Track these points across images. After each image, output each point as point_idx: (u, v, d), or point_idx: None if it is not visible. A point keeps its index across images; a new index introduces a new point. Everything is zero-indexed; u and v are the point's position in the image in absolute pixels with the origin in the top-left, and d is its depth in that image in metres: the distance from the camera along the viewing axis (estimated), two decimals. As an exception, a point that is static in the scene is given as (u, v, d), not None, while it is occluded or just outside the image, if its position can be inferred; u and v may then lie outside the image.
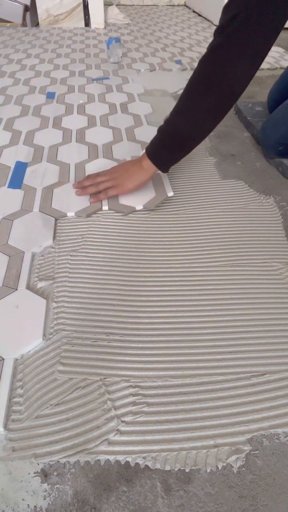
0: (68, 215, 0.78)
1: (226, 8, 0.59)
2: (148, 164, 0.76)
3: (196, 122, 0.68)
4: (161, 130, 0.73)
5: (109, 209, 0.80)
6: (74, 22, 2.38)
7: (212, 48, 0.61)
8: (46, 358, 0.52)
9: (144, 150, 0.77)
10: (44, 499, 0.40)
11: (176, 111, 0.69)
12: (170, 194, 0.82)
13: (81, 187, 0.82)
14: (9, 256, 0.68)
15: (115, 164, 0.95)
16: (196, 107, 0.66)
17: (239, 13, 0.56)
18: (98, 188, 0.80)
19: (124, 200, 0.82)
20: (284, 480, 0.42)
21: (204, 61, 0.63)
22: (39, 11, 2.34)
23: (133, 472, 0.42)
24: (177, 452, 0.44)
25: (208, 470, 0.42)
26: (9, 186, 0.87)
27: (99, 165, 0.95)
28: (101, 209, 0.80)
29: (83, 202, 0.82)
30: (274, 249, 0.72)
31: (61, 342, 0.54)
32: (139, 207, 0.80)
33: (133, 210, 0.79)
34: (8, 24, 2.40)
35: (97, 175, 0.83)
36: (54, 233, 0.73)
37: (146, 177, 0.78)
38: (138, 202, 0.81)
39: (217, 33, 0.61)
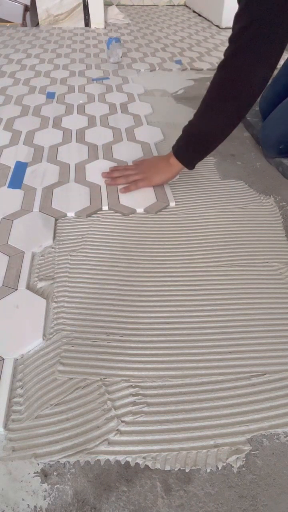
0: (68, 215, 0.78)
1: (238, 17, 0.63)
2: (175, 162, 0.80)
3: (218, 125, 0.73)
4: (186, 131, 0.78)
5: (110, 209, 0.80)
6: (74, 22, 2.38)
7: (228, 56, 0.66)
8: (46, 358, 0.52)
9: (170, 149, 0.82)
10: (44, 499, 0.40)
11: (199, 115, 0.74)
12: (172, 204, 0.83)
13: (111, 177, 0.87)
14: (9, 256, 0.68)
15: (115, 164, 0.96)
16: (218, 111, 0.71)
17: (252, 21, 0.60)
18: (128, 179, 0.85)
19: (125, 201, 0.82)
20: (284, 480, 0.42)
21: (222, 67, 0.68)
22: (39, 11, 2.34)
23: (133, 472, 0.42)
24: (177, 452, 0.43)
25: (208, 470, 0.42)
26: (9, 186, 0.87)
27: (99, 165, 0.96)
28: (101, 209, 0.80)
29: (83, 202, 0.82)
30: (274, 249, 0.72)
31: (61, 342, 0.54)
32: (139, 209, 0.80)
33: (133, 212, 0.80)
34: (8, 24, 2.40)
35: (125, 168, 0.89)
36: (54, 233, 0.73)
37: (173, 173, 0.83)
38: (139, 205, 0.81)
39: (231, 41, 0.65)
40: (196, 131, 0.76)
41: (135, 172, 0.86)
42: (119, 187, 0.85)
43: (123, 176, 0.86)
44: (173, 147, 0.81)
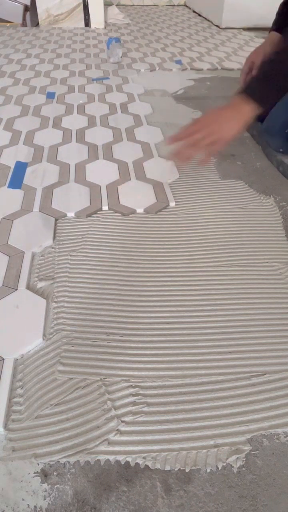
0: (68, 215, 0.78)
1: None
2: (244, 103, 0.71)
3: None
4: (264, 68, 0.73)
5: (109, 209, 0.80)
6: (74, 22, 2.38)
7: None
8: (46, 358, 0.52)
9: (235, 96, 0.73)
10: (44, 499, 0.40)
11: (285, 50, 0.71)
12: (172, 204, 0.82)
13: (181, 154, 0.74)
14: (9, 256, 0.68)
15: (115, 166, 0.96)
16: None
17: None
18: (199, 146, 0.72)
19: (125, 202, 0.82)
20: (284, 480, 0.42)
21: None
22: (39, 11, 2.34)
23: (133, 472, 0.42)
24: (177, 452, 0.43)
25: (208, 470, 0.42)
26: (9, 186, 0.87)
27: (99, 165, 0.95)
28: (101, 209, 0.80)
29: (83, 202, 0.82)
30: (274, 249, 0.72)
31: (61, 342, 0.54)
32: (139, 210, 0.80)
33: (133, 212, 0.80)
34: (8, 24, 2.40)
35: (189, 132, 0.73)
36: (54, 233, 0.73)
37: (244, 118, 0.73)
38: (139, 205, 0.81)
39: None
40: (278, 66, 0.71)
41: (204, 134, 0.72)
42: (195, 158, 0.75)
43: (192, 145, 0.73)
44: (245, 88, 0.73)
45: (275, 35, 1.05)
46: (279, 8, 1.05)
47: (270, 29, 1.08)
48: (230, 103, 0.73)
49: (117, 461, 0.43)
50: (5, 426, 0.45)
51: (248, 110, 0.72)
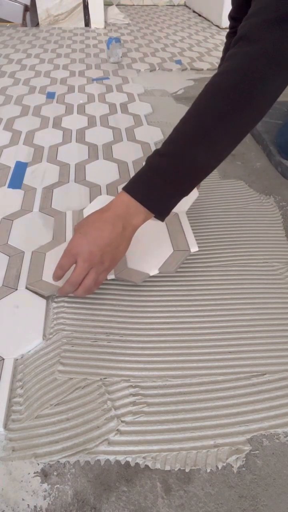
0: (67, 214, 0.78)
1: (252, 16, 0.49)
2: (142, 219, 0.54)
3: (223, 149, 0.53)
4: (161, 166, 0.53)
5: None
6: (74, 22, 2.38)
7: (245, 56, 0.48)
8: (46, 358, 0.52)
9: (121, 200, 0.54)
10: (44, 499, 0.40)
11: (193, 141, 0.52)
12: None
13: (65, 294, 0.59)
14: (9, 256, 0.68)
15: (115, 166, 0.95)
16: (221, 130, 0.51)
17: (276, 19, 0.46)
18: (90, 288, 0.55)
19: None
20: (284, 480, 0.42)
21: (235, 71, 0.49)
22: (39, 11, 2.34)
23: (133, 472, 0.42)
24: (177, 452, 0.43)
25: (208, 470, 0.42)
26: (9, 186, 0.87)
27: (99, 165, 0.95)
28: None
29: (83, 202, 0.82)
30: (274, 249, 0.72)
31: (61, 342, 0.54)
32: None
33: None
34: (8, 24, 2.40)
35: (75, 275, 0.54)
36: (54, 233, 0.73)
37: (131, 236, 0.56)
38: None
39: (247, 40, 0.49)
40: (186, 163, 0.52)
41: (85, 271, 0.54)
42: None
43: (82, 289, 0.55)
44: (135, 193, 0.53)
45: None
46: (225, 44, 0.87)
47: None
48: (117, 214, 0.53)
49: (117, 461, 0.43)
50: (5, 426, 0.45)
51: (142, 222, 0.55)
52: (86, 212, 0.76)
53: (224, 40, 0.96)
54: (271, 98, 0.51)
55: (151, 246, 0.65)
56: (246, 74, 0.49)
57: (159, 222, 0.59)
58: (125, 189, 0.54)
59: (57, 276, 0.57)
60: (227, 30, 0.93)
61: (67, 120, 1.19)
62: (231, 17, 0.84)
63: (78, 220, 0.76)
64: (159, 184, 0.53)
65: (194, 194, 0.69)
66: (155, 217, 0.55)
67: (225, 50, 0.86)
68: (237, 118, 0.51)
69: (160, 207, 0.54)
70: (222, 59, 0.84)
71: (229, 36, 0.86)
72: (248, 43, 0.49)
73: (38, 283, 0.61)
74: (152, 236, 0.65)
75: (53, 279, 0.58)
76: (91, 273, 0.54)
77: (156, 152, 0.54)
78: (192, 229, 0.74)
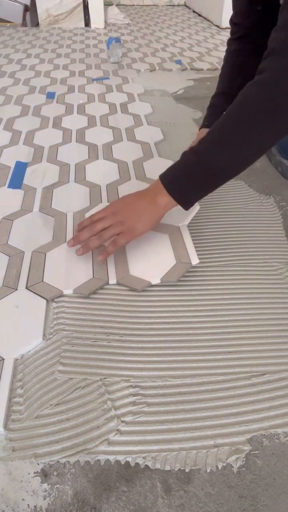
0: (67, 215, 0.78)
1: (284, 28, 0.52)
2: (166, 201, 0.61)
3: (246, 156, 0.57)
4: (190, 162, 0.60)
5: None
6: (74, 22, 2.38)
7: (279, 71, 0.51)
8: (46, 358, 0.52)
9: (156, 182, 0.62)
10: (44, 499, 0.40)
11: (217, 143, 0.57)
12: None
13: (80, 241, 0.64)
14: (9, 256, 0.68)
15: (115, 166, 0.95)
16: (252, 138, 0.55)
17: None
18: (103, 238, 0.62)
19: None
20: (284, 480, 0.42)
21: (264, 85, 0.53)
22: (39, 11, 2.34)
23: (133, 472, 0.42)
24: (177, 452, 0.43)
25: (208, 470, 0.42)
26: (9, 186, 0.87)
27: (99, 165, 0.95)
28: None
29: (83, 202, 0.82)
30: (274, 249, 0.72)
31: (61, 342, 0.54)
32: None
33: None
34: (8, 24, 2.40)
35: (95, 220, 0.64)
36: (54, 233, 0.73)
37: (161, 215, 0.63)
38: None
39: (278, 54, 0.52)
40: (208, 162, 0.58)
41: (109, 223, 0.62)
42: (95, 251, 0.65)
43: (95, 236, 0.63)
44: (165, 180, 0.61)
45: (205, 132, 0.80)
46: (210, 101, 0.86)
47: (200, 126, 0.87)
48: (150, 193, 0.63)
49: (117, 461, 0.43)
50: (5, 426, 0.45)
51: (169, 207, 0.62)
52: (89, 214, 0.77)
53: (224, 40, 0.95)
54: None
55: (154, 256, 0.67)
56: (277, 87, 0.52)
57: (161, 234, 0.67)
58: (160, 174, 0.62)
59: (79, 225, 0.67)
60: (227, 31, 0.91)
61: (67, 120, 1.19)
62: (233, 22, 0.83)
63: (79, 221, 0.76)
64: (182, 175, 0.60)
65: (195, 208, 0.71)
66: (179, 204, 0.61)
67: (227, 57, 0.84)
68: (266, 129, 0.54)
69: (180, 195, 0.61)
70: (226, 62, 0.84)
71: (230, 43, 0.85)
72: (278, 58, 0.51)
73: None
74: (156, 247, 0.68)
75: (77, 227, 0.67)
76: (109, 228, 0.62)
77: (191, 147, 0.60)
78: (192, 229, 0.75)
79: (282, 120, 0.53)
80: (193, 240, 0.72)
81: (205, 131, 0.70)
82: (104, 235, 0.62)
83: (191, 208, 0.64)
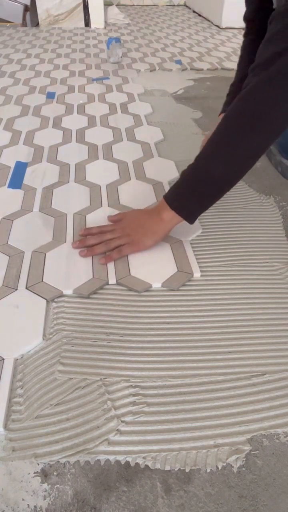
0: (67, 215, 0.78)
1: (267, 43, 0.56)
2: (170, 216, 0.64)
3: (235, 166, 0.61)
4: (186, 176, 0.64)
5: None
6: (74, 22, 2.38)
7: (256, 85, 0.56)
8: (46, 358, 0.52)
9: (161, 200, 0.66)
10: (44, 499, 0.40)
11: (209, 156, 0.62)
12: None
13: (86, 246, 0.68)
14: (9, 256, 0.68)
15: (115, 166, 0.95)
16: (238, 149, 0.58)
17: (284, 50, 0.53)
18: (109, 246, 0.66)
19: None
20: (284, 480, 0.42)
21: (247, 99, 0.57)
22: (39, 11, 2.34)
23: (133, 472, 0.42)
24: (177, 452, 0.43)
25: (208, 470, 0.42)
26: (9, 186, 0.87)
27: (99, 165, 0.96)
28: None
29: (83, 202, 0.82)
30: (274, 249, 0.72)
31: (61, 342, 0.54)
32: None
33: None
34: (8, 24, 2.40)
35: (102, 231, 0.69)
36: (54, 233, 0.73)
37: (167, 230, 0.67)
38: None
39: (259, 68, 0.56)
40: (204, 175, 0.62)
41: (117, 235, 0.67)
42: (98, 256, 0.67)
43: (102, 243, 0.67)
44: (167, 197, 0.65)
45: None
46: (229, 89, 0.94)
47: (220, 112, 0.95)
48: (157, 209, 0.66)
49: (117, 461, 0.43)
50: (5, 426, 0.45)
51: (173, 223, 0.66)
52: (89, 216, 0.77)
53: (224, 40, 0.97)
54: (284, 120, 0.57)
55: (155, 262, 0.67)
56: (255, 100, 0.56)
57: (163, 243, 0.70)
58: (164, 194, 0.66)
59: (85, 230, 0.71)
60: (227, 31, 0.94)
61: (67, 120, 1.19)
62: (246, 19, 0.88)
63: (79, 222, 0.76)
64: (182, 191, 0.64)
65: (197, 229, 0.74)
66: (183, 218, 0.65)
67: (244, 47, 0.92)
68: (250, 140, 0.58)
69: (182, 210, 0.64)
70: (242, 51, 0.93)
71: (245, 35, 0.92)
72: (260, 72, 0.55)
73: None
74: (157, 254, 0.69)
75: (83, 231, 0.71)
76: (116, 239, 0.67)
77: (188, 165, 0.64)
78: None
79: (263, 130, 0.57)
80: (193, 240, 0.72)
81: None
82: (111, 243, 0.66)
83: (195, 228, 0.70)
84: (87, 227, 0.73)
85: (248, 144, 0.58)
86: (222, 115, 0.86)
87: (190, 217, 0.65)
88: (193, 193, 0.63)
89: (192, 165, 0.63)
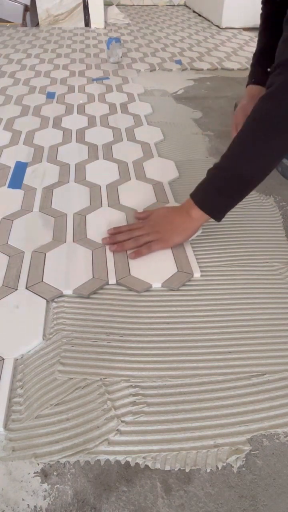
0: (67, 215, 0.78)
1: (287, 42, 0.59)
2: (198, 214, 0.65)
3: (264, 165, 0.62)
4: (213, 176, 0.65)
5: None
6: (74, 22, 2.38)
7: (281, 86, 0.58)
8: (46, 358, 0.52)
9: (187, 199, 0.68)
10: (44, 499, 0.40)
11: (237, 156, 0.63)
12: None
13: (116, 242, 0.69)
14: (9, 256, 0.68)
15: (115, 166, 0.95)
16: (266, 149, 0.60)
17: None
18: (139, 242, 0.68)
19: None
20: (284, 480, 0.42)
21: (274, 99, 0.59)
22: (39, 11, 2.34)
23: (133, 472, 0.42)
24: (177, 452, 0.43)
25: (208, 470, 0.42)
26: (9, 186, 0.87)
27: (99, 165, 0.95)
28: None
29: (83, 202, 0.82)
30: (274, 249, 0.72)
31: (61, 342, 0.54)
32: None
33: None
34: (8, 24, 2.40)
35: (131, 228, 0.71)
36: (54, 233, 0.73)
37: (196, 228, 0.69)
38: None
39: (282, 68, 0.57)
40: (230, 174, 0.63)
41: (146, 232, 0.69)
42: (129, 251, 0.68)
43: (132, 239, 0.68)
44: (194, 196, 0.66)
45: (253, 88, 0.93)
46: (253, 59, 0.97)
47: (247, 83, 0.97)
48: (185, 208, 0.67)
49: (117, 461, 0.43)
50: (5, 426, 0.45)
51: (202, 221, 0.67)
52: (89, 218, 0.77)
53: (224, 40, 0.98)
54: None
55: (155, 262, 0.67)
56: (283, 100, 0.58)
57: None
58: (190, 193, 0.67)
59: (114, 228, 0.72)
60: (227, 31, 0.96)
61: (67, 120, 1.19)
62: None
63: (79, 222, 0.76)
64: (209, 190, 0.65)
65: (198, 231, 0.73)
66: (211, 216, 0.66)
67: (264, 17, 0.94)
68: (278, 140, 0.59)
69: (210, 209, 0.65)
70: (262, 21, 0.95)
71: (265, 4, 0.94)
72: (284, 71, 0.58)
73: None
74: (158, 255, 0.68)
75: (112, 230, 0.72)
76: (145, 235, 0.68)
77: (214, 164, 0.66)
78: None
79: None
80: (193, 240, 0.72)
81: (253, 87, 0.93)
82: (140, 239, 0.68)
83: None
84: (114, 226, 0.73)
85: (276, 143, 0.59)
86: (250, 86, 0.95)
87: (218, 216, 0.66)
88: (221, 192, 0.64)
89: (219, 164, 0.65)
